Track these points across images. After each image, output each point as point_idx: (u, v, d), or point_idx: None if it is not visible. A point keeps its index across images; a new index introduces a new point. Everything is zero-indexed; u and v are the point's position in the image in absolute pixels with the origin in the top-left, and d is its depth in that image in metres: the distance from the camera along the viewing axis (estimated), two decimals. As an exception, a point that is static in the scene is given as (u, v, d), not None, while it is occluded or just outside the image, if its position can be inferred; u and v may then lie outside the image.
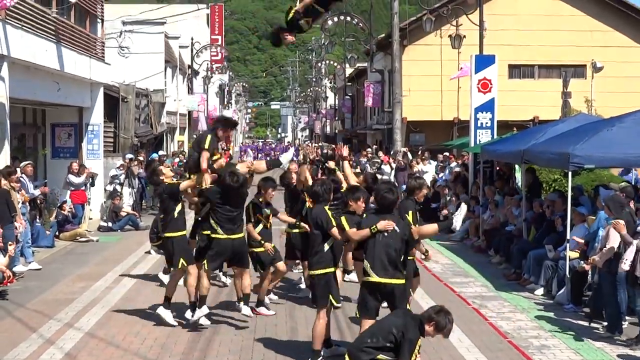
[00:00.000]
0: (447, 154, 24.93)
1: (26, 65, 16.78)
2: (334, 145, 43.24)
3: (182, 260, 10.24)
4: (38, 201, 17.30)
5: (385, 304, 8.23)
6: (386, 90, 36.75)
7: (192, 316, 10.15)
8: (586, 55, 32.01)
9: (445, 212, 19.86)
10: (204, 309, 10.04)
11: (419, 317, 7.30)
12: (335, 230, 8.47)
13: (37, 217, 17.26)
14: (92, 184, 20.33)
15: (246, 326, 10.24)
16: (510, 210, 16.00)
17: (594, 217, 11.63)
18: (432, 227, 9.18)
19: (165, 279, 12.30)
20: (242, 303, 10.24)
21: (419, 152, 26.52)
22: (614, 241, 9.77)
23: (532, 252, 13.16)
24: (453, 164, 22.95)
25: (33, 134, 21.65)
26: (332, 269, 8.60)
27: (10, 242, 12.66)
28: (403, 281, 8.28)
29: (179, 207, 10.32)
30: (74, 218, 19.06)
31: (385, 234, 8.09)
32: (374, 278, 8.06)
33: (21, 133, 20.52)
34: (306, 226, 10.21)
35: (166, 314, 10.31)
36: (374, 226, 8.05)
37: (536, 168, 17.10)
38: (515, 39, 32.30)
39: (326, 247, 8.53)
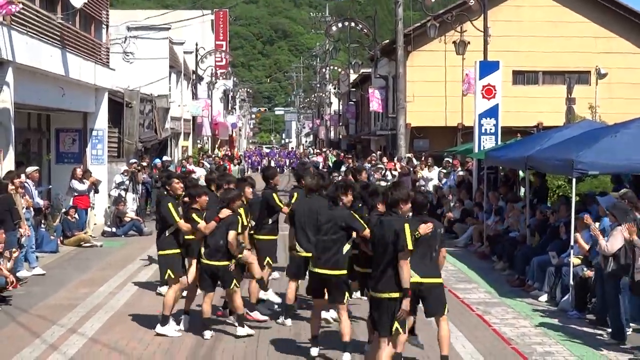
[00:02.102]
0: (449, 159, 24.89)
1: (31, 70, 16.82)
2: (341, 153, 43.35)
3: (169, 272, 10.31)
4: (43, 207, 17.31)
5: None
6: (390, 96, 36.77)
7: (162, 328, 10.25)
8: (590, 62, 31.95)
9: (450, 214, 19.86)
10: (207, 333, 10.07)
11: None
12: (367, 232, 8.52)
13: (42, 222, 17.28)
14: (96, 192, 20.33)
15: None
16: (515, 217, 15.98)
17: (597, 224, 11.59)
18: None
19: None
20: (236, 323, 10.27)
21: (423, 159, 26.49)
22: (618, 243, 9.77)
23: (536, 259, 13.14)
24: (459, 170, 22.89)
25: (38, 139, 21.68)
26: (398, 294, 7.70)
27: (14, 249, 12.67)
28: (441, 280, 8.58)
29: (172, 228, 10.38)
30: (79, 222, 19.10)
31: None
32: (416, 278, 8.05)
33: (26, 138, 20.55)
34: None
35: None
36: (417, 232, 7.96)
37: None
38: (519, 45, 32.32)
39: (390, 270, 7.70)
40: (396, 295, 7.58)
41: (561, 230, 12.99)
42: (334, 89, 68.82)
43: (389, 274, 7.58)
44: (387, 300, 7.61)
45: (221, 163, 32.93)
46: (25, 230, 13.84)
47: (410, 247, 7.56)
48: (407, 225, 7.62)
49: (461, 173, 21.90)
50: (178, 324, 10.42)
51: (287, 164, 62.45)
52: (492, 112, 19.96)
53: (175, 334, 10.16)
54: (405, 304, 7.56)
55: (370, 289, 7.87)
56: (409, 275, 7.57)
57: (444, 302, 8.61)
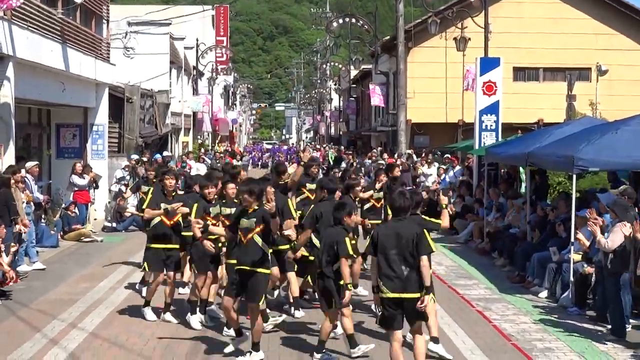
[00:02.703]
0: (447, 155, 24.90)
1: (32, 65, 16.81)
2: (341, 148, 43.35)
3: (145, 264, 10.72)
4: (42, 202, 17.30)
5: None
6: (391, 92, 36.77)
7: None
8: (591, 59, 31.99)
9: (451, 207, 19.78)
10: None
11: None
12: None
13: (41, 217, 17.28)
14: (96, 187, 20.32)
15: (249, 327, 10.21)
16: (516, 213, 15.98)
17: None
18: None
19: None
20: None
21: (423, 155, 26.51)
22: (618, 239, 9.77)
23: (536, 255, 13.13)
24: (457, 169, 22.88)
25: (38, 134, 21.69)
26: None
27: (12, 244, 12.65)
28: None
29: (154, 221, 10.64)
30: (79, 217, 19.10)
31: None
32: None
33: (26, 133, 20.55)
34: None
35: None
36: None
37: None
38: (520, 41, 32.30)
39: (414, 272, 7.90)
40: (419, 294, 7.85)
41: (559, 229, 12.98)
42: (335, 85, 68.78)
43: (414, 275, 7.82)
44: (415, 299, 7.82)
45: (224, 159, 32.87)
46: (23, 227, 13.75)
47: (434, 249, 8.19)
48: (425, 230, 8.08)
49: (462, 178, 21.77)
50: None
51: (288, 159, 62.38)
52: (493, 109, 19.96)
53: (151, 317, 10.54)
54: (428, 298, 8.01)
55: (393, 290, 7.84)
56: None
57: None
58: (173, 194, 10.83)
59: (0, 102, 15.23)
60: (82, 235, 18.42)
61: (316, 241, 10.07)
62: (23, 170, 15.47)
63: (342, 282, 8.67)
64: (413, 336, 8.04)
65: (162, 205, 10.46)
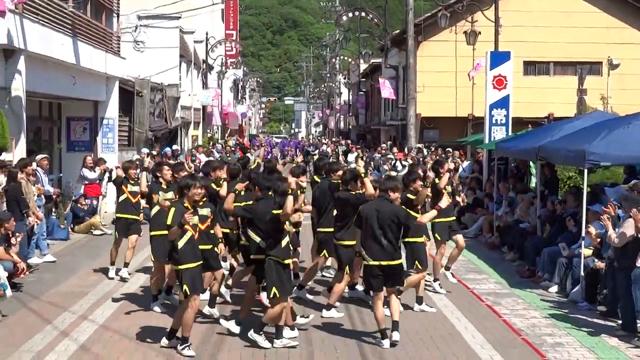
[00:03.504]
0: (449, 149, 24.81)
1: (43, 59, 16.85)
2: (349, 141, 43.31)
3: (152, 254, 11.12)
4: (53, 195, 17.35)
5: None
6: (400, 86, 36.71)
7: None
8: (602, 52, 31.86)
9: (463, 197, 19.78)
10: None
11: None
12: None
13: (52, 210, 17.33)
14: (110, 179, 20.31)
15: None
16: (525, 208, 15.93)
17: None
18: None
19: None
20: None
21: (432, 149, 26.47)
22: (628, 234, 9.74)
23: (547, 249, 13.10)
24: (465, 164, 22.81)
25: (49, 128, 21.74)
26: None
27: (17, 234, 12.68)
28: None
29: (154, 210, 11.10)
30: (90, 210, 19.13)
31: None
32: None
33: (37, 126, 20.60)
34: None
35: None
36: None
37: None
38: (530, 35, 32.21)
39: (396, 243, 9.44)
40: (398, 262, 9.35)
41: (569, 223, 12.93)
42: (344, 79, 68.73)
43: (392, 246, 9.20)
44: (393, 266, 9.23)
45: (235, 152, 32.84)
46: (34, 219, 13.80)
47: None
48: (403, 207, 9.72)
49: (472, 175, 21.68)
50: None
51: (297, 153, 62.34)
52: (503, 103, 19.92)
53: (158, 309, 10.79)
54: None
55: (374, 258, 9.16)
56: None
57: None
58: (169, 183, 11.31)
59: (12, 96, 15.28)
60: (92, 225, 18.46)
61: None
62: (34, 164, 15.52)
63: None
64: (389, 296, 9.27)
65: (161, 194, 11.12)
